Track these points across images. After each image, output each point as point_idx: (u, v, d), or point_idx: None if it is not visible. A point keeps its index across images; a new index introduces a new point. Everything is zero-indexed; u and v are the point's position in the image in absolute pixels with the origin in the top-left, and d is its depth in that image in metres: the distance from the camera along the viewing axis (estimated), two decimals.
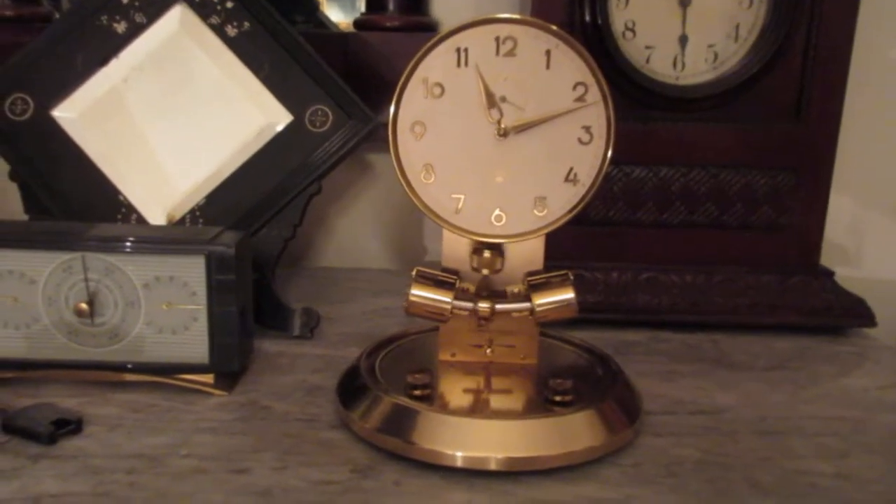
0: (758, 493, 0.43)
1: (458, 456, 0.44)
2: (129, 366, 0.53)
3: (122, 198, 0.64)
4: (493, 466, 0.44)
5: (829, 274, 0.68)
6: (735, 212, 0.68)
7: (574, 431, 0.45)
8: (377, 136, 0.62)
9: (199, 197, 0.64)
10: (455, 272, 0.52)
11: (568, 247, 0.67)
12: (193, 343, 0.53)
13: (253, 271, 0.60)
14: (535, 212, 0.48)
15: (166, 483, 0.43)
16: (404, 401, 0.47)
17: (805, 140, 0.66)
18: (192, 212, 0.64)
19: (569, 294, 0.49)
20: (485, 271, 0.50)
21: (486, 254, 0.49)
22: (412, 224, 0.85)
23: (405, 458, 0.45)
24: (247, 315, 0.55)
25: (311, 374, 0.57)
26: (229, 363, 0.54)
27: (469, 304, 0.50)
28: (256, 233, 0.64)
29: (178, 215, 0.64)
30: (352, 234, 0.86)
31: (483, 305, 0.49)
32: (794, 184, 0.67)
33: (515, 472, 0.44)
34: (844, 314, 0.67)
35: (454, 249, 0.51)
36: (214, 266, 0.52)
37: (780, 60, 0.65)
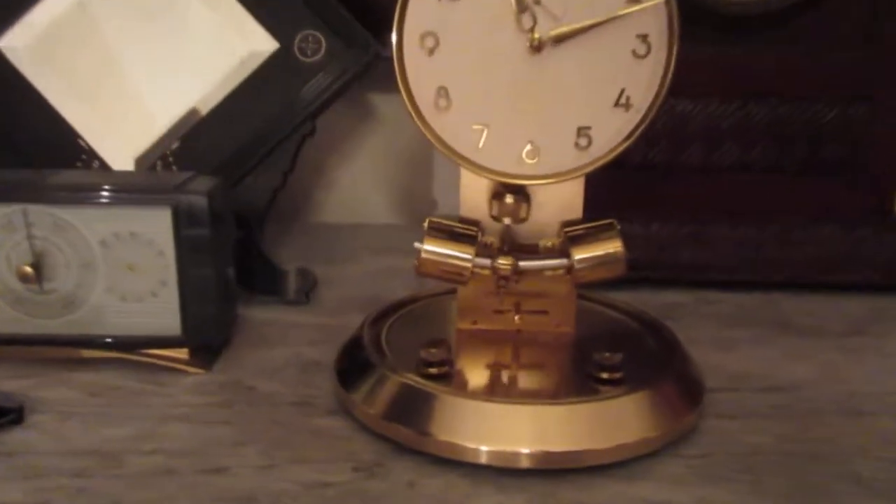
0: (865, 493, 0.34)
1: (484, 451, 0.35)
2: (87, 340, 0.45)
3: (81, 142, 0.55)
4: (526, 464, 0.35)
5: None
6: (797, 151, 0.58)
7: (627, 417, 0.37)
8: (379, 70, 0.53)
9: (171, 140, 0.55)
10: (476, 223, 0.42)
11: (598, 195, 0.58)
12: (163, 312, 0.44)
13: (238, 227, 0.51)
14: (577, 145, 0.39)
15: (123, 488, 0.34)
16: (416, 381, 0.38)
17: (881, 65, 0.56)
18: (163, 157, 0.55)
19: (616, 247, 0.40)
20: (506, 220, 0.41)
21: (509, 199, 0.40)
22: (421, 172, 0.76)
23: (419, 453, 0.37)
24: (227, 278, 0.47)
25: (305, 347, 0.48)
26: (207, 335, 0.45)
27: (480, 262, 0.41)
28: (240, 181, 0.55)
29: (147, 161, 0.55)
30: (352, 186, 0.77)
31: (503, 262, 0.40)
32: (867, 117, 0.57)
33: (555, 471, 0.36)
34: None
35: (475, 195, 0.42)
36: (184, 219, 0.43)
37: None
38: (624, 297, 0.49)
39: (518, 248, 0.42)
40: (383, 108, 0.75)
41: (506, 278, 0.40)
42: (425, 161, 0.76)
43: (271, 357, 0.47)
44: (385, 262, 0.64)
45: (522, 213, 0.41)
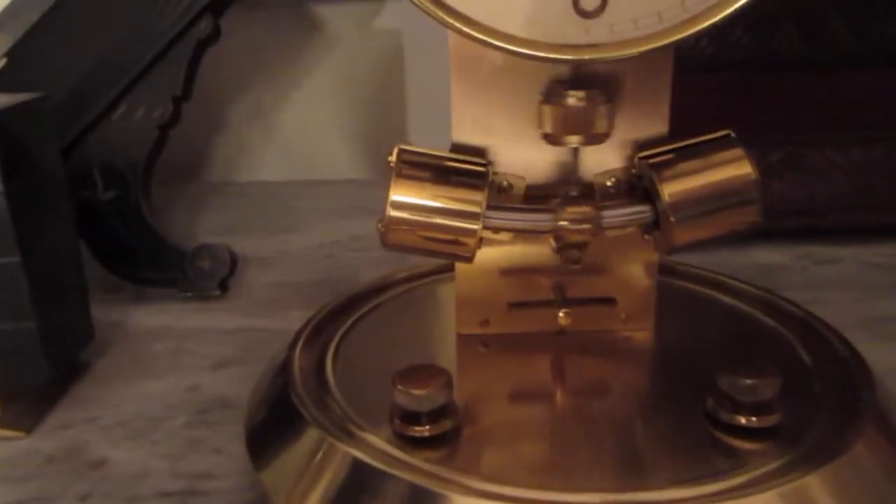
0: None
1: None
2: None
3: None
4: None
5: None
6: None
7: None
8: None
9: None
10: (481, 152, 0.24)
11: None
12: None
13: (110, 184, 0.34)
14: None
15: None
16: (389, 454, 0.20)
17: None
18: None
19: (746, 173, 0.22)
20: (572, 141, 0.22)
21: (572, 99, 0.22)
22: (391, 109, 0.60)
23: None
24: (63, 268, 0.28)
25: (209, 375, 0.30)
26: (22, 375, 0.26)
27: (525, 219, 0.22)
28: (106, 116, 0.35)
29: None
30: (303, 131, 0.61)
31: (574, 213, 0.22)
32: None
33: None
34: None
35: (481, 97, 0.23)
36: None
37: None
38: (693, 260, 0.31)
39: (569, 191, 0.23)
40: (338, 25, 0.60)
41: (576, 247, 0.22)
42: (396, 92, 0.58)
43: (147, 397, 0.28)
44: (345, 230, 0.46)
45: (600, 126, 0.22)
